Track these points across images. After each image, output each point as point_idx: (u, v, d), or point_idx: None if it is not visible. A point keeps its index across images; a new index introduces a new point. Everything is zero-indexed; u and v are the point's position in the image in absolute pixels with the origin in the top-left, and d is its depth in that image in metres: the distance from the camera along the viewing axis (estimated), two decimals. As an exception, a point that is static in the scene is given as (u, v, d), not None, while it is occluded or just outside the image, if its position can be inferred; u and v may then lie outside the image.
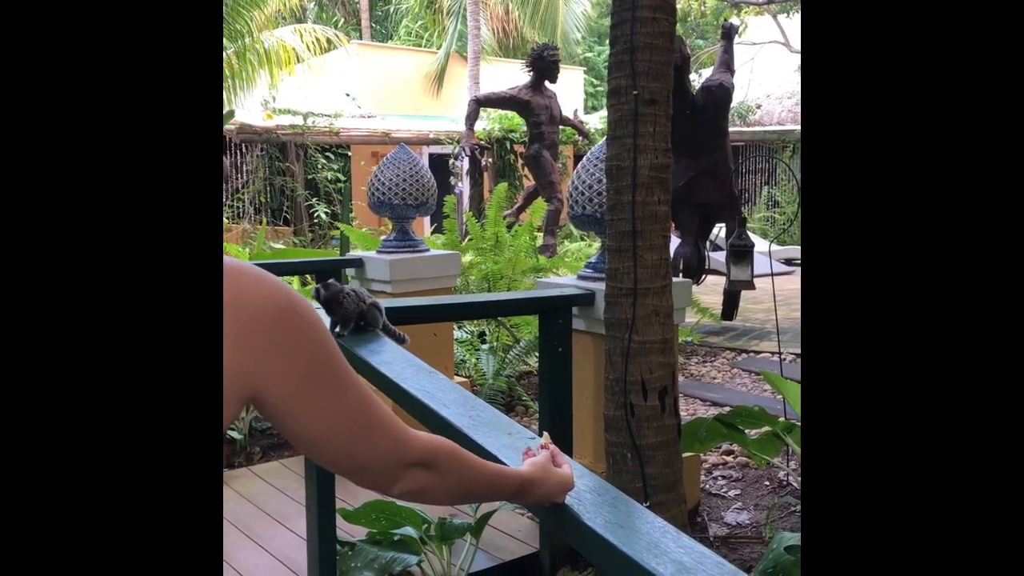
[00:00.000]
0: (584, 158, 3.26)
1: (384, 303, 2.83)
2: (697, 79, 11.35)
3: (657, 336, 2.54)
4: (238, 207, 11.72)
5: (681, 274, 6.06)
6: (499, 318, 4.97)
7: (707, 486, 3.58)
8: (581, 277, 3.24)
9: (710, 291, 7.41)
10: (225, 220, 11.12)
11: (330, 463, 0.95)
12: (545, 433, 1.34)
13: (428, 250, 4.29)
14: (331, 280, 2.13)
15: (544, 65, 7.82)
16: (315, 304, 2.18)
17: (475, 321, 5.28)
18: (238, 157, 11.92)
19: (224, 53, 10.39)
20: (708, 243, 7.03)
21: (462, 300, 3.36)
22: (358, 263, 4.23)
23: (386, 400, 2.15)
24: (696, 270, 6.18)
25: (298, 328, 0.83)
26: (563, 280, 3.42)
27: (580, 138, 10.09)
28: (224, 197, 11.88)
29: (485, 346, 4.98)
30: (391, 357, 1.98)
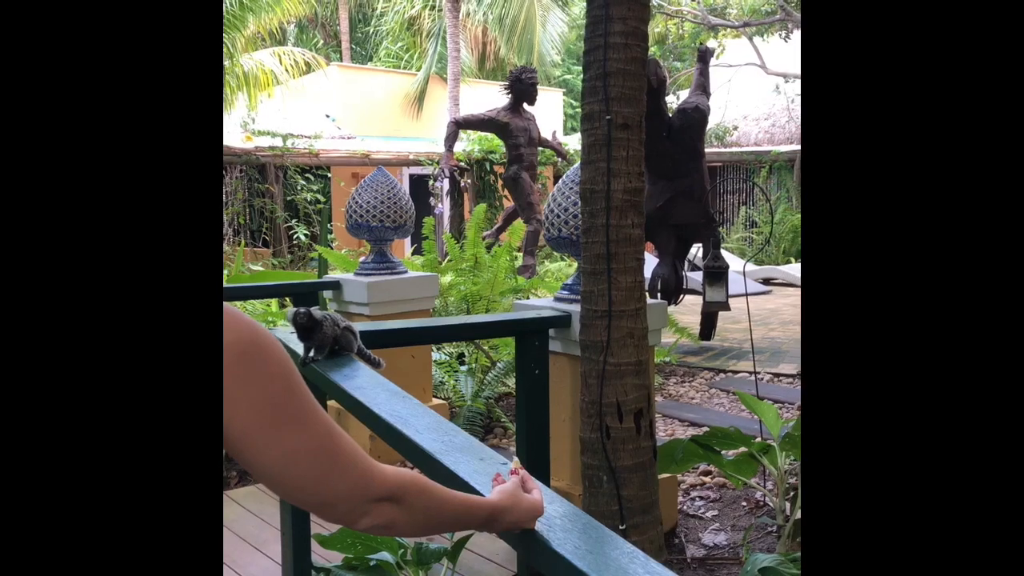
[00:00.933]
0: (560, 181, 3.28)
1: (362, 326, 2.82)
2: (675, 101, 11.46)
3: (632, 358, 2.55)
4: (217, 228, 11.66)
5: (659, 295, 6.10)
6: (477, 340, 4.97)
7: (684, 507, 3.58)
8: (558, 299, 3.25)
9: (688, 311, 7.45)
10: (203, 242, 11.05)
11: (293, 498, 0.95)
12: (515, 458, 1.34)
13: (406, 272, 4.29)
14: (304, 307, 2.13)
15: (522, 87, 7.88)
16: (288, 329, 2.18)
17: (454, 343, 5.28)
18: (217, 178, 11.87)
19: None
20: (687, 263, 7.08)
21: (439, 323, 3.37)
22: (335, 285, 4.23)
23: (360, 427, 2.14)
24: (673, 290, 6.21)
25: (261, 363, 0.84)
26: (540, 302, 3.43)
27: (559, 159, 10.15)
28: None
29: (464, 367, 4.97)
30: (365, 382, 1.98)
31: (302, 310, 2.09)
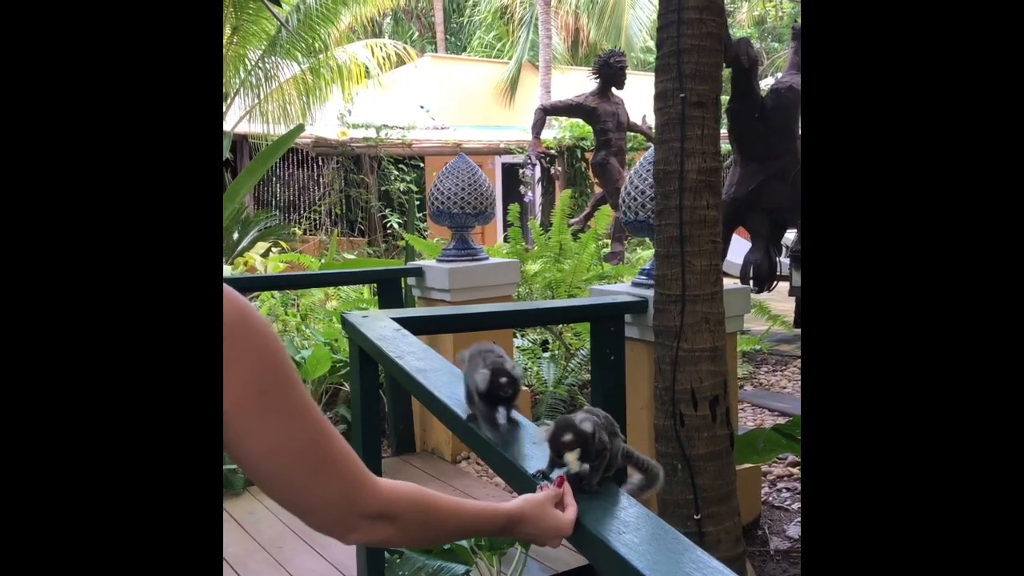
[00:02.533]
0: (637, 163, 3.21)
1: (443, 311, 2.82)
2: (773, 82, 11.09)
3: (707, 344, 2.48)
4: (315, 218, 12.00)
5: (752, 281, 5.93)
6: (558, 327, 4.94)
7: (770, 498, 3.47)
8: (635, 284, 3.19)
9: (783, 298, 7.22)
10: (302, 231, 11.40)
11: (276, 496, 0.89)
12: (564, 468, 1.25)
13: (487, 259, 4.30)
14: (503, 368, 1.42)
15: (610, 72, 7.77)
16: (361, 314, 2.19)
17: (538, 329, 5.26)
18: (314, 170, 12.21)
19: (299, 68, 10.66)
20: (782, 248, 6.86)
21: (513, 307, 3.36)
22: (418, 272, 4.27)
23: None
24: (766, 276, 6.03)
25: (247, 343, 0.80)
26: (617, 287, 3.37)
27: (650, 144, 9.99)
28: (302, 209, 12.19)
29: (547, 355, 4.95)
30: (429, 365, 1.98)
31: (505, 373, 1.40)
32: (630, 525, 1.18)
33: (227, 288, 0.82)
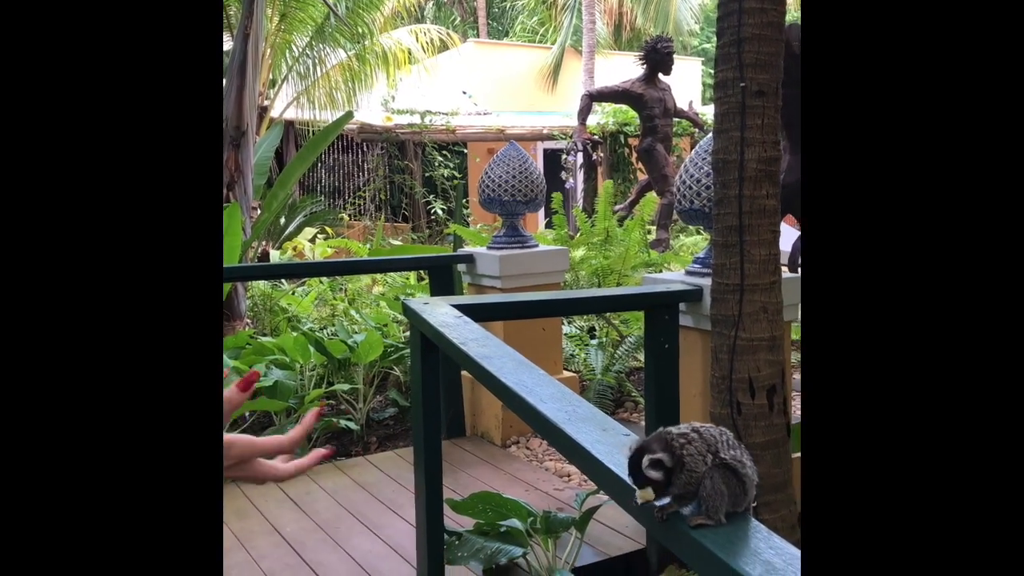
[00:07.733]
0: (692, 152, 3.22)
1: (494, 298, 2.86)
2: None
3: (765, 333, 2.48)
4: (359, 204, 12.13)
5: (800, 268, 5.88)
6: (607, 314, 4.96)
7: (822, 488, 3.47)
8: (689, 272, 3.20)
9: (831, 286, 7.15)
10: (347, 217, 11.52)
11: None
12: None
13: (537, 246, 4.33)
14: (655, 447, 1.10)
15: (658, 58, 7.71)
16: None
17: (584, 316, 5.29)
18: (359, 156, 12.32)
19: (345, 55, 10.75)
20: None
21: (569, 296, 3.38)
22: (469, 259, 4.31)
23: (492, 398, 2.11)
24: (815, 265, 5.98)
25: None
26: (671, 276, 3.38)
27: (696, 130, 9.91)
28: (346, 194, 12.32)
29: (594, 341, 4.97)
30: (493, 351, 2.02)
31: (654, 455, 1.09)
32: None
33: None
